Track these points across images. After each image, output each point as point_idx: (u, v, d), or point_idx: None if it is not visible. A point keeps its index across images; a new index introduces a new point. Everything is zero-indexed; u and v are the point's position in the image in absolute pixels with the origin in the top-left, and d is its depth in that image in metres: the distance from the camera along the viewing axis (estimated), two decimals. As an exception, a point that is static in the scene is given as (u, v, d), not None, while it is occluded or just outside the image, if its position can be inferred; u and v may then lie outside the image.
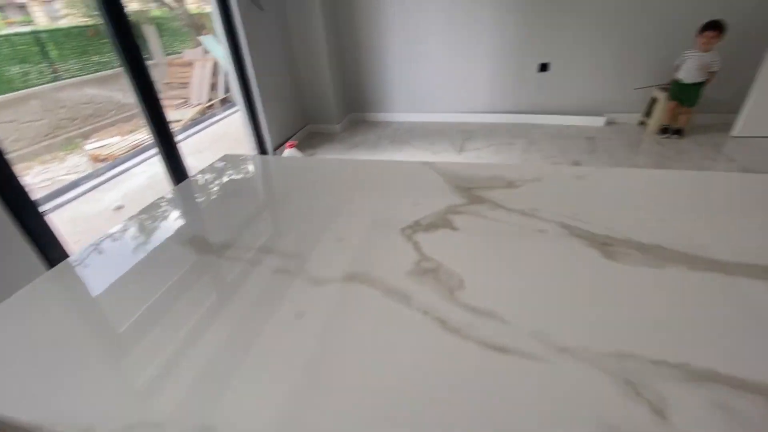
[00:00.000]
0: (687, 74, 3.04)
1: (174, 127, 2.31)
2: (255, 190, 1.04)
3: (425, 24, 3.62)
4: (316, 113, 3.98)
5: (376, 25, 3.71)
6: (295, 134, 3.81)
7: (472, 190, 0.87)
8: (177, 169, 2.33)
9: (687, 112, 3.20)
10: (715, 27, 2.85)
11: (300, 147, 3.40)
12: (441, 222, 0.76)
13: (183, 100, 5.47)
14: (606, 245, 0.66)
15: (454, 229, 0.74)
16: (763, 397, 0.41)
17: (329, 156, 3.50)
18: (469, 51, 3.68)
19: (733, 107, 3.24)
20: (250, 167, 1.15)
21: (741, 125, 3.20)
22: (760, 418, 0.39)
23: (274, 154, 3.42)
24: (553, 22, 3.40)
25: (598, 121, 3.67)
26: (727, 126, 3.31)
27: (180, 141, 2.38)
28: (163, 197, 0.96)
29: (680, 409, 0.40)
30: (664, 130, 3.32)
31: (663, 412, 0.40)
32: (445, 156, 3.27)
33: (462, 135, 3.69)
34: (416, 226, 0.75)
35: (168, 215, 0.90)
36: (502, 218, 0.76)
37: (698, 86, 3.08)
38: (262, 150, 3.42)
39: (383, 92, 4.10)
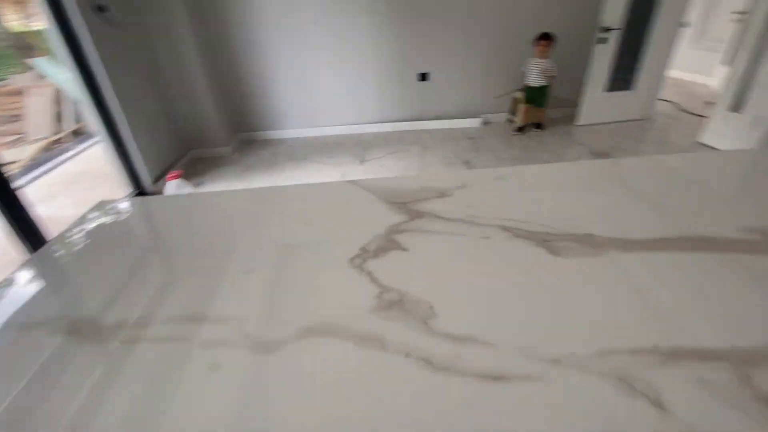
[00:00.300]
0: (532, 79, 3.55)
1: (9, 170, 1.81)
2: (150, 243, 0.85)
3: (308, 37, 3.56)
4: (200, 137, 3.60)
5: (256, 40, 3.52)
6: (176, 162, 3.38)
7: (407, 205, 0.84)
8: (23, 227, 1.83)
9: (541, 110, 3.75)
10: (546, 37, 3.43)
11: (186, 176, 3.02)
12: (388, 244, 0.71)
13: (17, 136, 4.43)
14: (547, 242, 0.69)
15: (403, 249, 0.70)
16: (726, 362, 0.45)
17: (222, 182, 3.18)
18: (354, 62, 3.74)
19: (573, 102, 3.93)
20: (137, 213, 0.94)
21: (582, 116, 3.89)
22: (730, 383, 0.43)
23: (154, 186, 2.98)
24: (426, 35, 3.66)
25: (476, 122, 4.08)
26: (572, 118, 3.99)
27: (22, 186, 1.89)
28: (10, 277, 0.71)
29: (672, 394, 0.42)
30: (520, 129, 3.81)
31: (661, 403, 0.41)
32: (348, 168, 3.25)
33: (360, 146, 3.72)
34: (364, 254, 0.68)
35: (23, 299, 0.67)
36: (446, 230, 0.75)
37: (544, 88, 3.61)
38: (138, 186, 2.94)
39: (273, 109, 3.91)
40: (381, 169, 3.21)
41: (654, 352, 0.47)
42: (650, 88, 3.88)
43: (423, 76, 3.86)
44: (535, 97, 3.64)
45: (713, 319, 0.51)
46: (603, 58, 3.59)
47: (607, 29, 3.45)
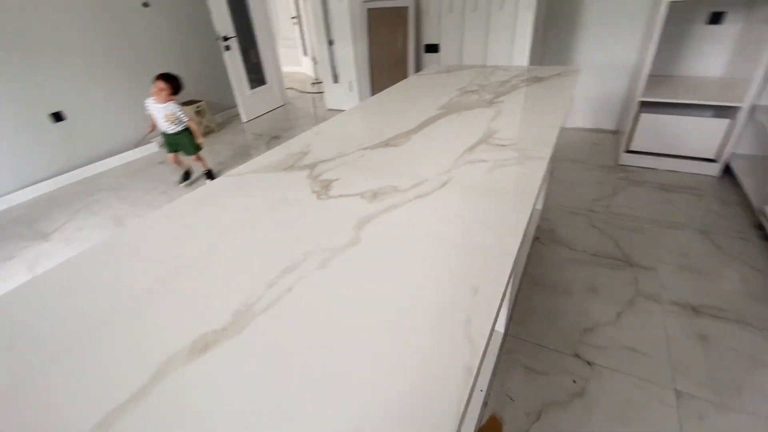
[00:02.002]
0: (161, 124, 2.80)
1: None
2: None
3: None
4: None
5: None
6: None
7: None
8: None
9: (197, 156, 3.02)
10: (163, 78, 2.68)
11: None
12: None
13: None
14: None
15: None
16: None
17: None
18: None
19: (232, 104, 4.42)
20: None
21: (244, 113, 4.46)
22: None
23: None
24: (43, 72, 2.97)
25: (153, 147, 3.83)
26: (238, 117, 4.50)
27: None
28: None
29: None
30: (186, 176, 3.10)
31: (471, 166, 0.99)
32: (31, 252, 2.41)
33: (21, 223, 2.74)
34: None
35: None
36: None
37: (183, 134, 2.85)
38: None
39: None
40: (75, 236, 2.58)
41: (453, 157, 1.05)
42: (278, 81, 4.91)
43: (57, 117, 3.17)
44: (176, 143, 2.89)
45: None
46: (234, 63, 4.19)
47: (225, 38, 4.02)
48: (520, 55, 3.14)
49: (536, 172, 0.90)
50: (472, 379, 0.44)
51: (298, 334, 0.54)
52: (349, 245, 0.72)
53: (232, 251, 0.74)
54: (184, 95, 4.00)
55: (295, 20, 6.46)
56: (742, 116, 2.32)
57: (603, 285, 1.77)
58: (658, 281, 1.76)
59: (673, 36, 2.74)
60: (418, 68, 3.93)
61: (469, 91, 1.64)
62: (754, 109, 2.33)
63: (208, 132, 4.16)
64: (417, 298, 0.58)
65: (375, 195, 0.89)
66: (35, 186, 3.12)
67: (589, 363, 1.42)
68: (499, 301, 0.55)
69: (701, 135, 2.49)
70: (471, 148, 1.08)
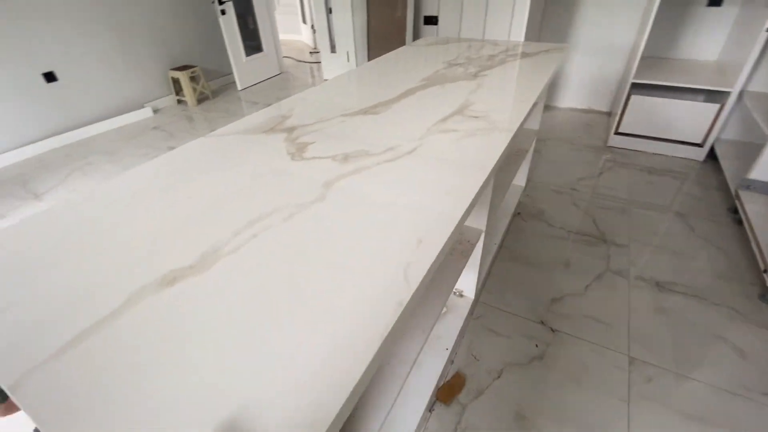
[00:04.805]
0: None
1: None
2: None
3: None
4: None
5: None
6: None
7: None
8: None
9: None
10: None
11: None
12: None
13: None
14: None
15: (292, 151, 1.01)
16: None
17: None
18: None
19: (228, 71, 4.37)
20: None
21: (239, 81, 4.42)
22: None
23: None
24: (33, 31, 2.93)
25: (148, 113, 3.82)
26: (233, 84, 4.46)
27: None
28: None
29: (441, 132, 1.05)
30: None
31: (442, 135, 1.03)
32: (23, 211, 2.46)
33: (15, 183, 2.78)
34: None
35: None
36: (299, 136, 1.10)
37: None
38: None
39: None
40: (72, 195, 2.63)
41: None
42: (275, 49, 4.83)
43: (49, 77, 3.15)
44: None
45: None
46: (230, 28, 4.11)
47: (221, 1, 3.94)
48: (518, 30, 3.10)
49: (500, 143, 0.95)
50: (401, 310, 0.51)
51: (259, 274, 0.60)
52: (316, 201, 0.77)
53: (203, 203, 0.79)
54: (178, 60, 3.98)
55: (295, -15, 6.27)
56: (730, 101, 2.34)
57: (576, 260, 1.84)
58: (628, 258, 1.84)
59: (672, 18, 2.71)
60: (416, 40, 3.88)
61: (456, 64, 1.66)
62: (742, 94, 2.35)
63: (202, 99, 4.14)
64: (369, 246, 0.64)
65: (346, 158, 0.93)
66: (29, 147, 3.13)
67: (552, 330, 1.52)
68: (437, 251, 0.61)
69: (690, 119, 2.51)
70: (445, 119, 1.12)
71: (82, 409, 0.43)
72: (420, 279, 0.56)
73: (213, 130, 1.13)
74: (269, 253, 0.64)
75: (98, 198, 0.84)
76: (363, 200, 0.77)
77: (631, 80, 2.55)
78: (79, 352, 0.49)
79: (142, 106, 3.81)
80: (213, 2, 3.90)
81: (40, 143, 3.19)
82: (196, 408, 0.42)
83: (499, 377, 1.36)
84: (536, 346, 1.46)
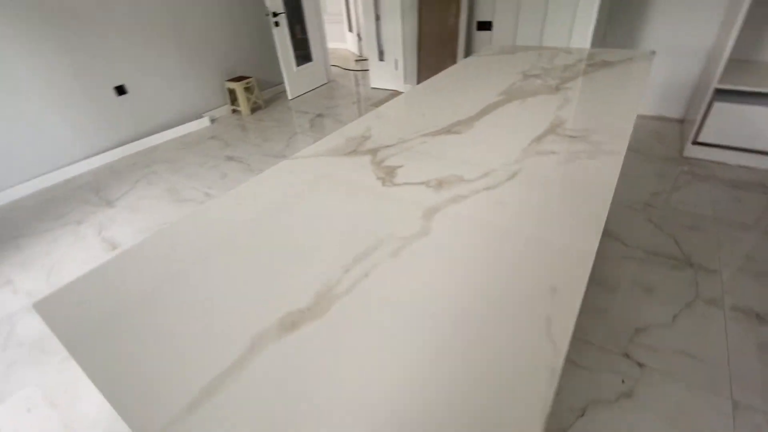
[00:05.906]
0: None
1: None
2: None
3: None
4: None
5: None
6: None
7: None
8: None
9: None
10: None
11: None
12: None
13: None
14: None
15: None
16: (537, 139, 1.05)
17: None
18: (21, 95, 2.79)
19: (279, 81, 4.48)
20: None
21: (290, 91, 4.52)
22: (543, 144, 1.03)
23: None
24: (104, 47, 3.14)
25: (205, 122, 3.99)
26: (284, 94, 4.57)
27: None
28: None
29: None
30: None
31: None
32: (98, 217, 2.62)
33: (88, 190, 2.97)
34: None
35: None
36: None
37: None
38: None
39: None
40: (141, 202, 2.77)
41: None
42: (323, 58, 4.91)
43: (120, 90, 3.36)
44: None
45: (517, 132, 1.12)
46: (283, 39, 4.21)
47: (275, 14, 4.04)
48: (581, 36, 2.95)
49: (611, 168, 0.86)
50: (556, 381, 0.45)
51: (375, 320, 0.56)
52: (420, 235, 0.73)
53: (303, 232, 0.77)
54: (233, 72, 4.13)
55: (341, -6, 6.36)
56: (836, 109, 2.08)
57: (659, 285, 1.69)
58: (720, 285, 1.66)
59: (764, 15, 2.46)
60: (469, 47, 3.79)
61: (532, 76, 1.57)
62: None
63: (255, 108, 4.26)
64: (492, 293, 0.58)
65: (440, 184, 0.89)
66: (100, 156, 3.35)
67: (639, 364, 1.39)
68: (579, 302, 0.55)
69: (783, 129, 2.26)
70: (539, 139, 1.04)
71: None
72: (568, 339, 0.50)
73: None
74: (384, 297, 0.60)
75: (181, 241, 0.84)
76: (471, 235, 0.72)
77: (714, 85, 2.33)
78: (211, 404, 0.47)
79: (201, 116, 3.98)
80: (267, 15, 4.02)
81: (110, 152, 3.40)
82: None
83: (582, 415, 1.25)
84: (622, 381, 1.34)
